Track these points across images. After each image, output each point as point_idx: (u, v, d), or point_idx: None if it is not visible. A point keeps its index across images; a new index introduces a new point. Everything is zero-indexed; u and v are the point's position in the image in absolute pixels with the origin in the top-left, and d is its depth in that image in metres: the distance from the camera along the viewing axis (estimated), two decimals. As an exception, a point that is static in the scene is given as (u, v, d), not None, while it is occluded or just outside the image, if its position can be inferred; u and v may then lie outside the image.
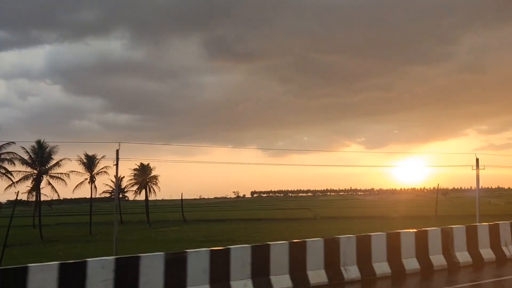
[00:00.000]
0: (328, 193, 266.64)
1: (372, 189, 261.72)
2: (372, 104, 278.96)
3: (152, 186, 59.79)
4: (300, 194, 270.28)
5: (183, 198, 67.47)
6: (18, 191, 32.05)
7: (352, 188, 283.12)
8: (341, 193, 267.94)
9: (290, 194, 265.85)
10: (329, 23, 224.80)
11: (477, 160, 26.37)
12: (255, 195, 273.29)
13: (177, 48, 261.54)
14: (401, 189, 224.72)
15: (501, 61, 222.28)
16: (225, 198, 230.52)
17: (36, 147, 42.71)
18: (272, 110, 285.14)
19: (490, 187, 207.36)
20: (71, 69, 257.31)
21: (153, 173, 59.73)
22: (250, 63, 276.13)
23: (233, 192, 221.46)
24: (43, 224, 41.91)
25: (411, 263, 10.39)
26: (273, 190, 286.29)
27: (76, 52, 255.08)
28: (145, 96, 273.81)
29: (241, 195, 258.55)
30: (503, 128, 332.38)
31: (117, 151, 21.82)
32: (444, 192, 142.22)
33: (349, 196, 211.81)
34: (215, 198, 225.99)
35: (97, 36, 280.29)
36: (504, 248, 11.94)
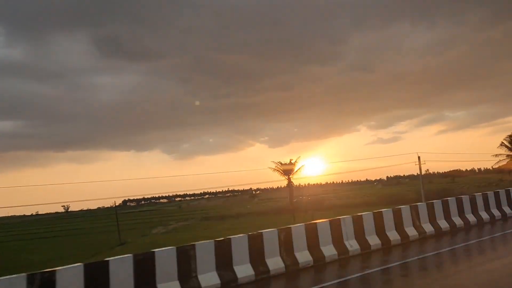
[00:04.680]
0: (188, 198, 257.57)
1: (250, 188, 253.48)
2: (273, 104, 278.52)
3: None
4: (178, 199, 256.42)
5: None
6: None
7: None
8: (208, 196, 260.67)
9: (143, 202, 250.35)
10: (227, 23, 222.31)
11: None
12: (131, 203, 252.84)
13: (62, 45, 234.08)
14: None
15: (386, 60, 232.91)
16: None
17: None
18: (173, 111, 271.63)
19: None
20: None
21: None
22: (147, 63, 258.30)
23: (62, 206, 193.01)
24: None
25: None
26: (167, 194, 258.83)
27: None
28: (28, 99, 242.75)
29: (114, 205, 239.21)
30: (389, 123, 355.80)
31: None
32: (253, 195, 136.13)
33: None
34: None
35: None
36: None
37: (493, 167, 52.71)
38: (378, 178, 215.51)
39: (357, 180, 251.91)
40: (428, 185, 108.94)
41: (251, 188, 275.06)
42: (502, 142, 50.45)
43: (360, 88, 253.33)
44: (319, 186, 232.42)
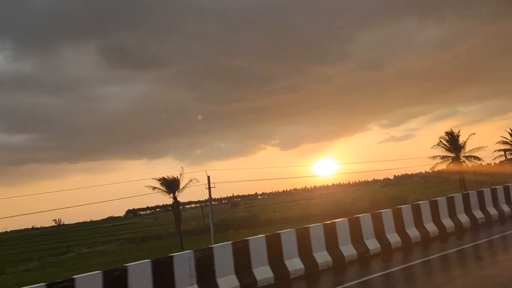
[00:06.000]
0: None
1: (255, 193, 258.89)
2: (283, 106, 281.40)
3: None
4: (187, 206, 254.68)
5: None
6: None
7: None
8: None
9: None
10: (233, 27, 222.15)
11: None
12: (130, 214, 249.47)
13: (70, 57, 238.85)
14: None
15: (395, 57, 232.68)
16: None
17: None
18: (183, 118, 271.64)
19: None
20: None
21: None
22: (155, 71, 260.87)
23: (54, 220, 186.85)
24: None
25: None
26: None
27: None
28: (40, 112, 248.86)
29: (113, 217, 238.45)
30: (401, 121, 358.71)
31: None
32: (234, 204, 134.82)
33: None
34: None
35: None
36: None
37: (431, 170, 42.48)
38: (385, 177, 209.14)
39: (364, 180, 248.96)
40: (403, 188, 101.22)
41: (256, 193, 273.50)
42: (440, 141, 40.23)
43: (370, 87, 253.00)
44: (325, 187, 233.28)
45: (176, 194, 40.22)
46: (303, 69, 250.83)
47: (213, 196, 32.56)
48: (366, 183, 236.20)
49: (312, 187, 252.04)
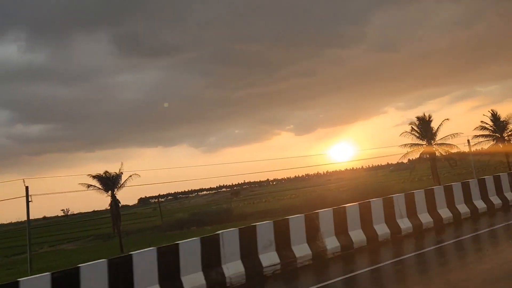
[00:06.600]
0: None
1: (267, 179, 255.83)
2: (297, 91, 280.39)
3: None
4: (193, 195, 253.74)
5: None
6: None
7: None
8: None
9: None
10: (244, 12, 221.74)
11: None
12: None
13: (83, 47, 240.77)
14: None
15: (411, 38, 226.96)
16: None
17: None
18: (197, 105, 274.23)
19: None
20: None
21: None
22: (167, 58, 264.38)
23: (62, 210, 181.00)
24: None
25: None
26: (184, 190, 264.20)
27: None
28: (56, 102, 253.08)
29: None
30: (418, 103, 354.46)
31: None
32: (235, 192, 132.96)
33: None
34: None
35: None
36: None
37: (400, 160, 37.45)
38: (399, 161, 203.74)
39: (378, 165, 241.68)
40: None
41: (267, 179, 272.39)
42: (412, 128, 34.92)
43: (386, 69, 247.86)
44: (337, 172, 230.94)
45: (114, 192, 36.24)
46: (317, 52, 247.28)
47: (223, 184, 28.38)
48: (380, 167, 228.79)
49: (325, 172, 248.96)
